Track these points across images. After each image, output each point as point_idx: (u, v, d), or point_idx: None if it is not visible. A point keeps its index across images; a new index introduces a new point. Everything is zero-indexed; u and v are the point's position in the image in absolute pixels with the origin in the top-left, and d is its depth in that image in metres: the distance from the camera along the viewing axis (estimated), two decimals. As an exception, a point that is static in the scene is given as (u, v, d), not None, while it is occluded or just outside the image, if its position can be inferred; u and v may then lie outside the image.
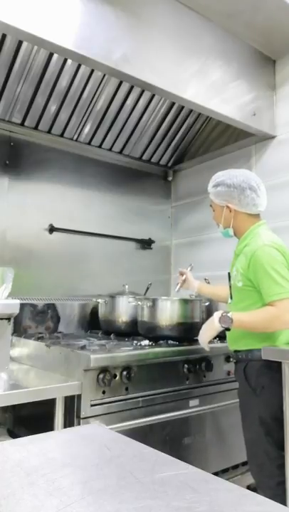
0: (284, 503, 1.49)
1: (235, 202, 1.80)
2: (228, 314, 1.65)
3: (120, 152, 3.03)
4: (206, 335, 1.78)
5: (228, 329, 1.67)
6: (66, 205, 2.77)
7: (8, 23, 1.65)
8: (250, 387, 1.69)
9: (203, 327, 1.81)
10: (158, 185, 3.34)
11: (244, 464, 2.18)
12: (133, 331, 2.29)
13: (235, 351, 1.79)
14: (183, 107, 2.90)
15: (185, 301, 2.17)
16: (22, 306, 2.29)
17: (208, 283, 2.31)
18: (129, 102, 2.73)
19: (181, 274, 2.24)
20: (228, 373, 2.19)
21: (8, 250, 2.48)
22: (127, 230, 3.07)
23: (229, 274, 1.85)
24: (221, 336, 1.96)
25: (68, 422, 1.65)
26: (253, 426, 1.69)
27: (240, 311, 1.70)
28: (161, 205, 3.34)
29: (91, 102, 2.63)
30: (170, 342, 2.07)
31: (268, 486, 1.63)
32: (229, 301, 1.83)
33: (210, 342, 1.82)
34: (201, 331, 1.82)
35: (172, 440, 1.92)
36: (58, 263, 2.69)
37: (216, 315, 1.69)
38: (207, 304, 2.37)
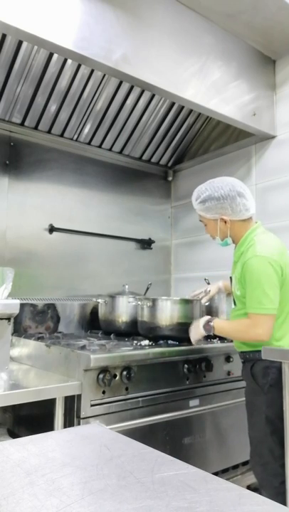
0: (286, 501, 1.49)
1: (229, 212, 1.80)
2: (210, 323, 1.82)
3: (120, 152, 3.03)
4: (194, 334, 1.93)
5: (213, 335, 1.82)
6: (66, 205, 2.77)
7: (8, 23, 1.66)
8: (257, 385, 1.70)
9: (191, 327, 1.94)
10: (158, 185, 3.34)
11: (244, 463, 2.18)
12: (133, 331, 2.29)
13: (242, 352, 1.81)
14: (183, 107, 2.90)
15: (185, 301, 2.17)
16: (22, 306, 2.29)
17: (208, 283, 2.31)
18: (129, 102, 2.74)
19: (205, 291, 2.23)
20: (228, 373, 2.19)
21: (8, 250, 2.48)
22: (127, 230, 3.07)
23: (231, 278, 1.87)
24: (221, 336, 1.97)
25: (68, 422, 1.65)
26: (259, 424, 1.70)
27: (240, 318, 1.77)
28: (161, 205, 3.34)
29: (91, 102, 2.63)
30: (170, 342, 2.07)
31: (271, 485, 1.63)
32: (233, 306, 1.86)
33: (206, 340, 1.88)
34: (189, 330, 1.95)
35: (172, 440, 1.92)
36: (58, 263, 2.69)
37: (202, 321, 1.85)
38: (207, 304, 2.37)
